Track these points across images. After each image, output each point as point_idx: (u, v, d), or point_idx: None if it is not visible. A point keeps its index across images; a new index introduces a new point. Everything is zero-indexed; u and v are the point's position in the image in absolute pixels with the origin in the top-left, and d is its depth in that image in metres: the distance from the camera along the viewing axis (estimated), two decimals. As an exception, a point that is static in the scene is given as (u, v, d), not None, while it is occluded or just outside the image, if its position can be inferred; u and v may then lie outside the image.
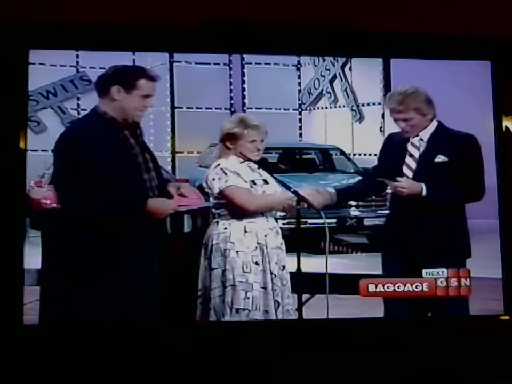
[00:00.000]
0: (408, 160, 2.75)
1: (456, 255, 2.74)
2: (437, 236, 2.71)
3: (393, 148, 2.82)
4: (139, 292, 2.49)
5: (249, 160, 2.77)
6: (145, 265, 2.51)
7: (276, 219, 2.82)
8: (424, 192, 2.66)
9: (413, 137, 2.76)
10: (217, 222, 2.75)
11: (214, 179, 2.73)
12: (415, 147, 2.76)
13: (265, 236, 2.73)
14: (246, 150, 2.75)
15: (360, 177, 3.22)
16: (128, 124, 2.53)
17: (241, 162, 2.77)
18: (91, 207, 2.43)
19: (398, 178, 2.70)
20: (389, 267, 2.78)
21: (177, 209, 2.57)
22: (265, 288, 2.70)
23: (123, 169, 2.47)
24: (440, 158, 2.70)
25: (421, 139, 2.75)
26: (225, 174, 2.72)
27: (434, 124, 2.76)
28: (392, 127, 2.85)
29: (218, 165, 2.75)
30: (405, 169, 2.75)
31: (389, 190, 2.84)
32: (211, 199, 2.77)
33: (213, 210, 2.77)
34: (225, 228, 2.72)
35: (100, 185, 2.42)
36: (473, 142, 2.71)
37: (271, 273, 2.73)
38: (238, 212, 2.71)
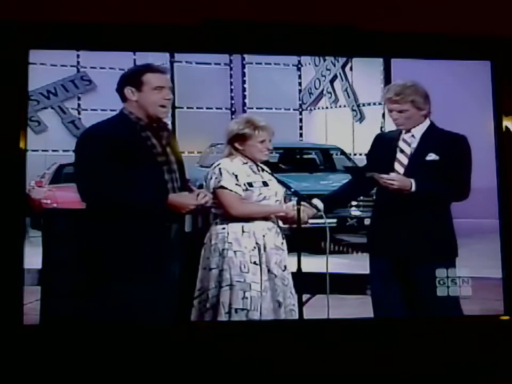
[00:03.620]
0: (400, 156, 2.78)
1: (442, 253, 2.74)
2: (422, 234, 2.71)
3: (383, 146, 2.83)
4: (140, 293, 2.50)
5: (256, 160, 2.78)
6: (150, 266, 2.52)
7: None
8: (413, 187, 2.68)
9: (405, 133, 2.79)
10: (216, 222, 2.75)
11: (211, 178, 2.74)
12: (407, 143, 2.78)
13: (263, 236, 2.73)
14: (255, 151, 2.76)
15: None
16: (153, 123, 2.57)
17: (243, 164, 2.77)
18: (111, 200, 2.48)
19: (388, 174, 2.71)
20: (375, 267, 2.77)
21: (199, 205, 2.59)
22: (263, 288, 2.70)
23: (142, 167, 2.50)
24: (431, 157, 2.73)
25: (413, 136, 2.78)
26: (221, 174, 2.72)
27: (427, 123, 2.79)
28: (392, 127, 2.85)
29: (219, 164, 2.76)
30: (397, 165, 2.77)
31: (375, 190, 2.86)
32: None
33: (212, 210, 2.77)
34: (223, 228, 2.72)
35: (120, 181, 2.46)
36: (464, 143, 2.74)
37: (271, 273, 2.73)
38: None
